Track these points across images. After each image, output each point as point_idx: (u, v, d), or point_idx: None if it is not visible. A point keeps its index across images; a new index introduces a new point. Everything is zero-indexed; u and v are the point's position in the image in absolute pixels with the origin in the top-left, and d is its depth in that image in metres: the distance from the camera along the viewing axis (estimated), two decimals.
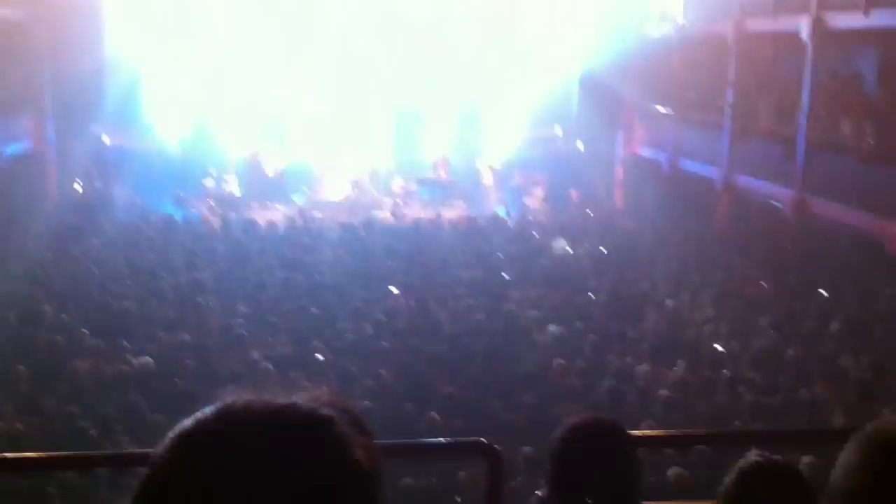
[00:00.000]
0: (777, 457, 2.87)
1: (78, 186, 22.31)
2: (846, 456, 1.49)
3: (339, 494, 1.13)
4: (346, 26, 25.14)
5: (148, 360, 10.47)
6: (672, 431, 7.24)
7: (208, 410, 1.15)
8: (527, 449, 7.86)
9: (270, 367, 10.53)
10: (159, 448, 1.15)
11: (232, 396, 1.17)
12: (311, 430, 1.14)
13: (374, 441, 1.24)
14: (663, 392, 9.87)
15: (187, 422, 1.15)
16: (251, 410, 1.14)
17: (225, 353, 11.09)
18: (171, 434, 1.16)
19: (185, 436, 1.14)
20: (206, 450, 1.11)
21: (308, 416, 1.15)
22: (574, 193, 23.46)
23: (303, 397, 1.19)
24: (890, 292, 13.97)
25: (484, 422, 9.07)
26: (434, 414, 8.80)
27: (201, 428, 1.14)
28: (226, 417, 1.14)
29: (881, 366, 10.96)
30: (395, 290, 13.96)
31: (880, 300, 13.77)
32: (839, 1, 15.11)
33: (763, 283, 15.37)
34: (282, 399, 1.17)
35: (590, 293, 14.66)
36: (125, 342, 11.29)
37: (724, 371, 10.67)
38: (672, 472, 7.34)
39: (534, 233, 19.58)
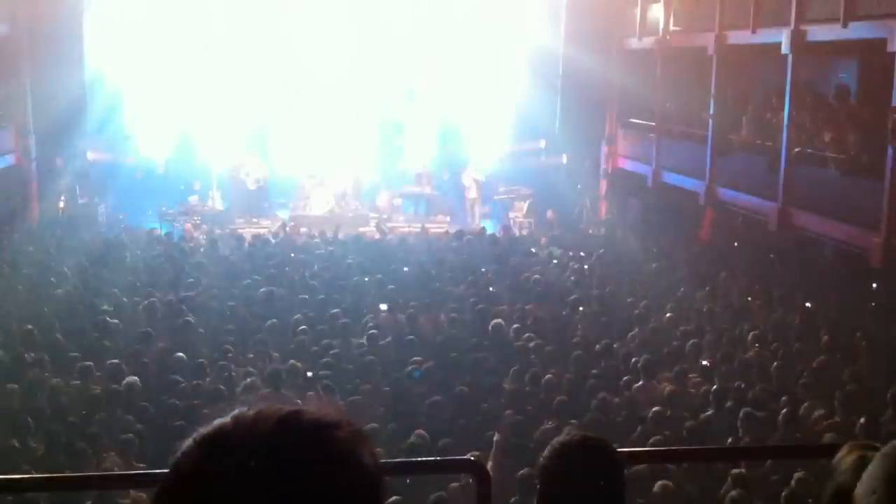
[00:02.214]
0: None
1: (61, 202, 22.21)
2: (873, 470, 1.51)
3: (348, 495, 1.20)
4: (328, 38, 25.16)
5: (134, 379, 10.41)
6: (660, 448, 7.26)
7: (226, 417, 1.23)
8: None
9: (258, 383, 10.52)
10: (179, 453, 1.22)
11: (243, 405, 1.24)
12: (320, 432, 1.21)
13: (377, 453, 1.30)
14: (650, 406, 9.89)
15: (206, 428, 1.23)
16: (263, 416, 1.22)
17: (212, 369, 11.03)
18: (190, 439, 1.23)
19: (204, 440, 1.21)
20: (222, 453, 1.18)
21: (316, 421, 1.23)
22: (551, 212, 23.47)
23: (310, 406, 1.26)
24: (872, 303, 14.08)
25: (473, 438, 9.08)
26: (422, 431, 8.78)
27: (218, 433, 1.21)
28: (241, 423, 1.21)
29: (865, 377, 11.04)
30: (383, 307, 13.93)
31: (862, 311, 13.87)
32: (819, 13, 15.26)
33: (747, 294, 15.46)
34: (291, 407, 1.25)
35: (577, 307, 14.71)
36: (111, 360, 11.22)
37: (711, 384, 10.71)
38: (659, 485, 7.35)
39: (532, 249, 19.63)
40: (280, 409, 1.23)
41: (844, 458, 1.57)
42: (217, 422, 1.23)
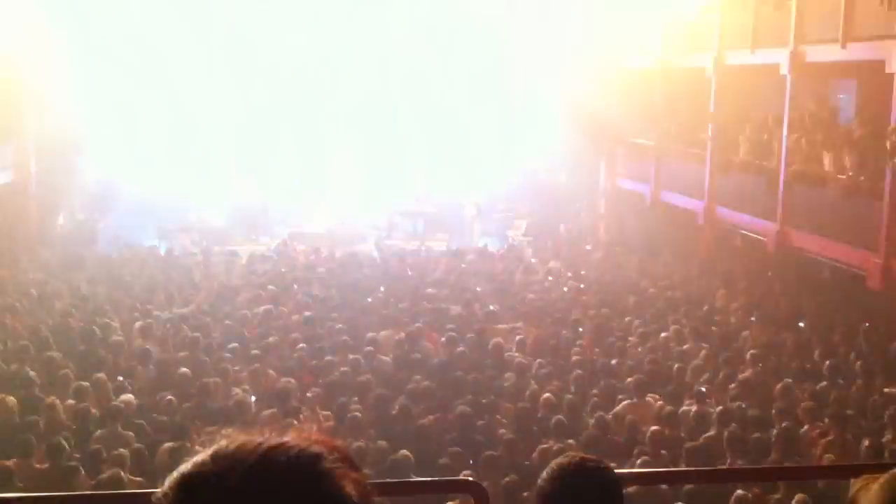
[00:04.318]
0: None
1: (60, 218, 22.22)
2: (872, 497, 1.49)
3: None
4: (329, 57, 25.28)
5: (130, 397, 10.38)
6: (658, 469, 7.22)
7: (205, 454, 1.20)
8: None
9: (256, 401, 10.51)
10: (159, 492, 1.20)
11: (225, 438, 1.22)
12: (302, 467, 1.19)
13: (365, 478, 1.28)
14: (648, 426, 9.85)
15: (186, 465, 1.21)
16: (244, 452, 1.19)
17: (212, 387, 10.98)
18: (171, 478, 1.21)
19: (185, 480, 1.19)
20: (204, 493, 1.16)
21: (298, 454, 1.20)
22: (561, 227, 23.51)
23: (293, 436, 1.24)
24: (870, 324, 14.06)
25: (471, 456, 9.05)
26: (411, 451, 8.73)
27: (199, 471, 1.19)
28: (221, 460, 1.18)
29: (862, 398, 11.01)
30: (384, 333, 13.85)
31: (860, 332, 13.84)
32: (817, 34, 15.33)
33: (745, 314, 15.43)
34: (273, 438, 1.22)
35: (575, 326, 14.68)
36: (109, 377, 11.18)
37: (709, 405, 10.67)
38: None
39: (532, 260, 19.63)
40: (260, 444, 1.20)
41: (860, 492, 1.55)
42: (196, 459, 1.20)
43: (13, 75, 20.49)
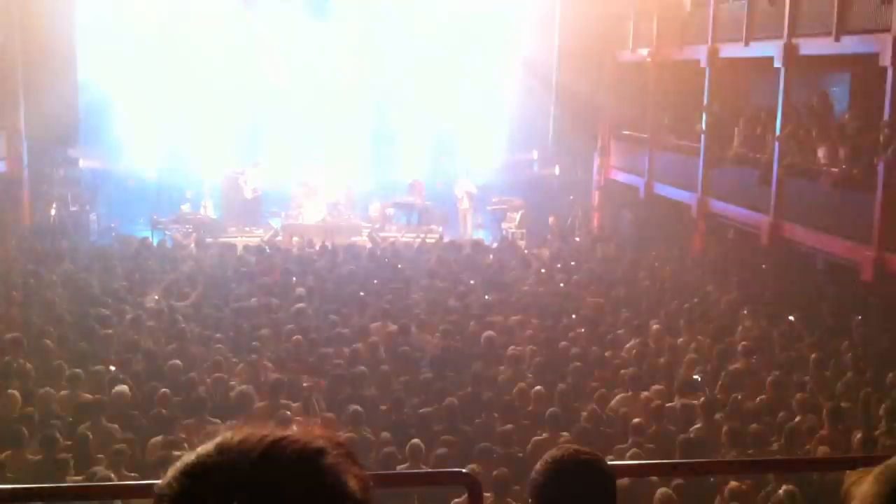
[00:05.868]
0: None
1: (52, 209, 22.14)
2: (867, 488, 1.49)
3: None
4: (322, 47, 25.21)
5: (124, 388, 10.36)
6: (651, 461, 7.24)
7: (209, 445, 1.21)
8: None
9: (251, 393, 10.48)
10: (162, 482, 1.21)
11: (229, 430, 1.23)
12: (305, 461, 1.20)
13: (365, 473, 1.29)
14: (640, 418, 9.87)
15: (189, 456, 1.22)
16: (249, 445, 1.20)
17: (204, 380, 10.97)
18: (173, 468, 1.22)
19: (188, 470, 1.20)
20: (207, 484, 1.17)
21: (301, 448, 1.21)
22: (552, 219, 23.48)
23: (296, 430, 1.26)
24: (862, 316, 14.09)
25: (464, 449, 9.06)
26: (417, 441, 8.75)
27: (202, 462, 1.20)
28: (225, 452, 1.20)
29: (855, 391, 11.04)
30: (375, 323, 13.86)
31: (853, 324, 13.88)
32: (811, 27, 15.34)
33: (738, 306, 15.46)
34: (277, 432, 1.23)
35: (569, 318, 14.69)
36: (101, 369, 11.15)
37: (701, 397, 10.70)
38: (659, 493, 7.31)
39: (526, 252, 19.57)
40: (264, 437, 1.21)
41: (854, 485, 1.55)
42: (200, 450, 1.22)
43: (6, 65, 20.40)
